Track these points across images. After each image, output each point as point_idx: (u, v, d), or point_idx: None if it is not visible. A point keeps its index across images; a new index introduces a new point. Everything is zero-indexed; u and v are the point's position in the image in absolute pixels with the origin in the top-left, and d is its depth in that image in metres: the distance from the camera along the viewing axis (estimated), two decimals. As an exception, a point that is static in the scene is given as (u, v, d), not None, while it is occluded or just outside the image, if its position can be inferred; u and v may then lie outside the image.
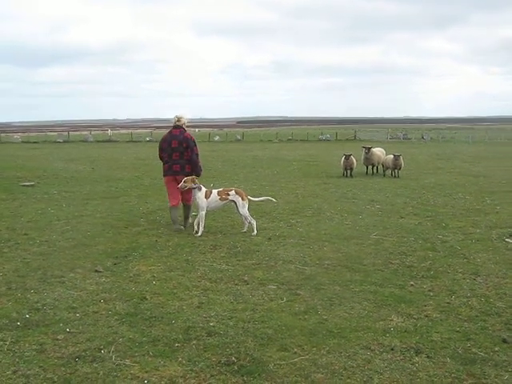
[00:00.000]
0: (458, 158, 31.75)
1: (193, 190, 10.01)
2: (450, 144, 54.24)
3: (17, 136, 65.55)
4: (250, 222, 10.02)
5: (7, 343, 5.04)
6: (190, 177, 10.04)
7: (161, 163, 10.82)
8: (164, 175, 10.62)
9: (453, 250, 8.70)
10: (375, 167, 21.95)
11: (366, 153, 21.31)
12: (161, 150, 10.63)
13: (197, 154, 10.45)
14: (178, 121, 10.55)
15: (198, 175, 10.30)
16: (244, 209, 10.04)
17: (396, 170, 20.65)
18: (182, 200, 10.55)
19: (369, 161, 21.55)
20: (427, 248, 8.81)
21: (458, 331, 5.35)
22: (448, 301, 6.24)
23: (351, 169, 20.68)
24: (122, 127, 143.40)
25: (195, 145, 10.50)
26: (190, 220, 10.67)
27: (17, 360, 4.70)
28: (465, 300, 6.28)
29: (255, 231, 9.85)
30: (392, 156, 20.71)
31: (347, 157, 20.49)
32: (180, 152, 10.33)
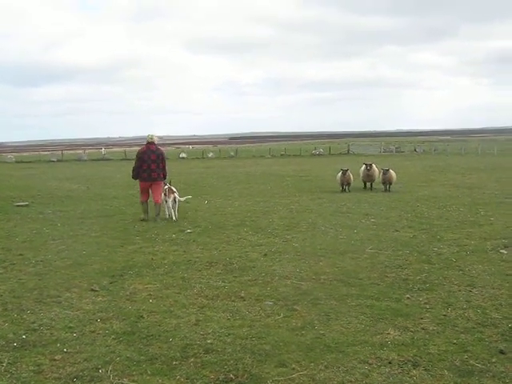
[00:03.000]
0: (451, 169, 31.89)
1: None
2: (443, 156, 54.54)
3: (10, 156, 65.45)
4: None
5: (4, 364, 5.02)
6: (166, 188, 13.85)
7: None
8: (142, 180, 13.72)
9: (448, 262, 8.72)
10: (373, 183, 21.41)
11: (368, 170, 20.74)
12: (141, 160, 13.60)
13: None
14: (151, 138, 13.79)
15: (162, 180, 13.91)
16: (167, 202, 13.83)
17: (387, 185, 20.21)
18: (153, 200, 13.73)
19: (370, 177, 21.04)
20: (422, 261, 8.84)
21: (454, 343, 5.36)
22: (444, 313, 6.26)
23: (348, 184, 20.30)
24: (115, 145, 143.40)
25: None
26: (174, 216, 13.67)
27: (14, 381, 4.68)
28: (461, 312, 6.30)
29: (168, 217, 13.80)
30: (381, 171, 20.47)
31: (344, 172, 20.11)
32: (157, 163, 13.59)
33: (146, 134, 14.15)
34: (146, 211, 13.72)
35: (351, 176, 20.36)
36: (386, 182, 20.23)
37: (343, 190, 20.27)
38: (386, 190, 20.19)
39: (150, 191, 13.91)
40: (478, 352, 5.14)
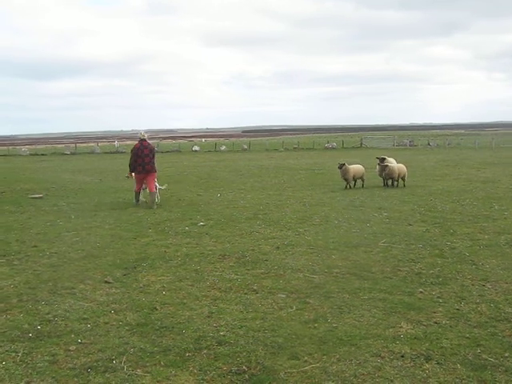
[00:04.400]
0: (464, 163, 31.66)
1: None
2: (457, 150, 54.14)
3: (25, 149, 65.90)
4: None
5: (20, 354, 5.08)
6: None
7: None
8: (137, 173, 15.39)
9: (461, 256, 8.70)
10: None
11: (379, 164, 19.50)
12: (136, 155, 15.32)
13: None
14: (143, 136, 15.54)
15: (155, 171, 15.66)
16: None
17: (388, 180, 19.25)
18: (148, 189, 15.37)
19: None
20: (435, 255, 8.82)
21: (467, 337, 5.36)
22: (457, 307, 6.25)
23: (346, 179, 18.94)
24: (129, 138, 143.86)
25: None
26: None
27: (29, 371, 4.74)
28: (474, 306, 6.28)
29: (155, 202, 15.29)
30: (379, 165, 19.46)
31: (340, 166, 18.90)
32: (150, 157, 15.38)
33: (132, 129, 16.04)
34: (137, 198, 15.71)
35: (349, 170, 18.88)
36: (387, 177, 19.15)
37: (347, 187, 19.05)
38: (385, 185, 19.17)
39: (145, 181, 15.63)
40: (491, 346, 5.14)
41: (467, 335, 5.41)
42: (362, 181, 19.64)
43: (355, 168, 19.39)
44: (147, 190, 15.57)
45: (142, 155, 15.32)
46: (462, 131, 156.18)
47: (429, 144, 67.43)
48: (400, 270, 7.86)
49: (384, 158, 19.68)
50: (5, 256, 9.13)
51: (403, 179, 19.52)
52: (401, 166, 19.75)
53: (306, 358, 4.96)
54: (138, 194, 15.78)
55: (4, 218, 13.39)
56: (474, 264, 8.18)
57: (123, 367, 4.80)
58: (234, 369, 4.74)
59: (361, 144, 67.68)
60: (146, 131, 16.01)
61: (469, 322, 5.77)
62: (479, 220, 11.94)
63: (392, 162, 20.29)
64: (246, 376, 4.62)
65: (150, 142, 16.14)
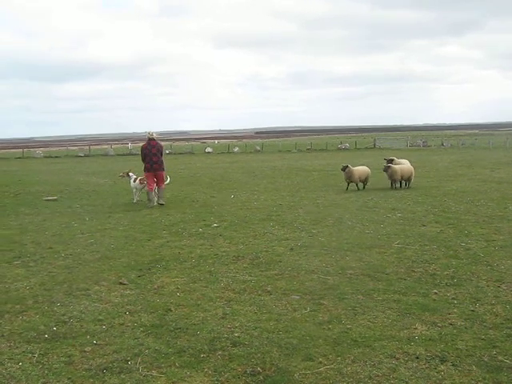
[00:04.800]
0: (478, 164, 31.44)
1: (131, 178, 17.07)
2: (471, 150, 53.80)
3: (39, 151, 66.36)
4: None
5: (36, 355, 5.13)
6: (126, 171, 17.93)
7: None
8: (146, 171, 15.82)
9: (476, 257, 8.64)
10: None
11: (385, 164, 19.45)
12: (145, 154, 15.86)
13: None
14: (151, 135, 15.92)
15: (163, 170, 16.00)
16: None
17: (394, 183, 18.98)
18: (157, 185, 15.89)
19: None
20: (450, 256, 8.77)
21: (483, 339, 5.33)
22: (472, 308, 6.22)
23: (352, 181, 18.82)
24: (142, 140, 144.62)
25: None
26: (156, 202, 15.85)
27: (46, 372, 4.78)
28: (489, 307, 6.24)
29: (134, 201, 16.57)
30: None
31: (343, 168, 18.89)
32: (158, 156, 15.82)
33: (146, 131, 16.38)
34: (151, 199, 15.75)
35: (354, 172, 18.75)
36: (389, 179, 18.96)
37: (358, 188, 19.00)
38: (393, 188, 18.89)
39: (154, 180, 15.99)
40: (507, 348, 5.10)
41: (483, 337, 5.38)
42: (366, 182, 19.34)
43: (359, 170, 19.28)
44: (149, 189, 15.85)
45: (150, 154, 15.76)
46: (476, 131, 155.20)
47: (442, 144, 67.09)
48: (414, 271, 7.83)
49: (392, 160, 19.54)
50: (20, 258, 9.21)
51: (407, 181, 19.26)
52: (405, 167, 19.46)
53: (320, 359, 4.95)
54: (151, 193, 15.79)
55: (19, 219, 13.51)
56: (489, 265, 8.13)
57: (138, 368, 4.83)
58: (249, 370, 4.75)
59: (374, 145, 67.46)
60: (159, 133, 16.08)
61: (484, 324, 5.74)
62: (494, 221, 11.86)
63: (405, 163, 20.25)
64: (261, 377, 4.62)
65: (158, 141, 16.41)
